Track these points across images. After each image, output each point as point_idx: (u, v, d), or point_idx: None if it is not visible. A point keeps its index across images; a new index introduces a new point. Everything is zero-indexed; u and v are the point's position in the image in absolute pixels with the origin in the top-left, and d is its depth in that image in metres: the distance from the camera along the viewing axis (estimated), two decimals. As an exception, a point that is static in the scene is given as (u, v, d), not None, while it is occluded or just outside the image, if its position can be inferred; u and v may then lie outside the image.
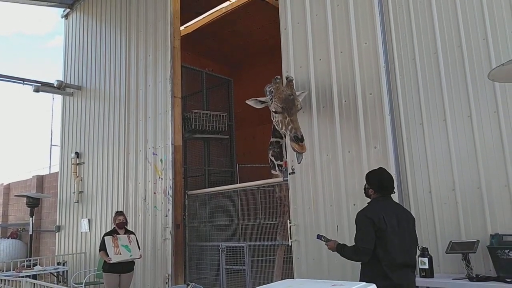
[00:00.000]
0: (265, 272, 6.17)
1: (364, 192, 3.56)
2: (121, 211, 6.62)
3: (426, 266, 3.83)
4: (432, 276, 3.83)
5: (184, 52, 10.55)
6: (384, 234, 3.12)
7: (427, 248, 3.92)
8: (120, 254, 5.95)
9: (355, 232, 3.29)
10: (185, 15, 9.55)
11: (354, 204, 4.74)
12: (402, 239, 3.18)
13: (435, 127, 4.31)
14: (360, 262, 3.30)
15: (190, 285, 3.81)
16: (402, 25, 4.68)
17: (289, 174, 5.53)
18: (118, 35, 9.35)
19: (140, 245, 6.39)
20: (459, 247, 3.85)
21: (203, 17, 10.77)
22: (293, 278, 5.06)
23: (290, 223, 5.34)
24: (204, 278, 7.16)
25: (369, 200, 3.49)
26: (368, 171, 3.59)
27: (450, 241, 3.95)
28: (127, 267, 6.12)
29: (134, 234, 6.37)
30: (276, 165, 6.31)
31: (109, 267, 5.98)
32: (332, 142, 5.06)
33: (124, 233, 6.20)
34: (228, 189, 7.08)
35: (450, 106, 4.26)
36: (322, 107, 5.22)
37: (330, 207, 4.99)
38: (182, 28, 10.89)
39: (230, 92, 10.80)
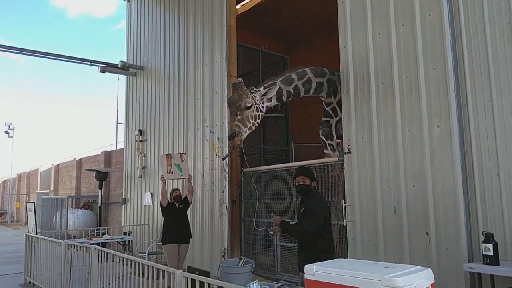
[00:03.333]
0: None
1: (304, 188, 4.02)
2: (177, 188, 6.97)
3: (491, 253, 3.61)
4: (497, 263, 3.61)
5: (240, 31, 10.53)
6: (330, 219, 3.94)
7: (492, 234, 3.68)
8: (172, 173, 6.31)
9: (314, 216, 3.80)
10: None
11: (414, 186, 4.55)
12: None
13: (506, 105, 3.97)
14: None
15: (243, 259, 3.90)
16: (472, -6, 4.30)
17: (345, 153, 5.41)
18: (176, 15, 9.54)
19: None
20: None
21: (260, -6, 10.63)
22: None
23: (345, 203, 5.25)
24: (259, 253, 7.30)
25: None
26: (305, 168, 4.26)
27: (519, 228, 3.69)
28: (184, 238, 6.40)
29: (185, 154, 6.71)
30: (327, 144, 6.27)
31: (168, 239, 6.30)
32: (391, 121, 4.85)
33: (179, 205, 6.48)
34: (282, 168, 7.09)
35: (525, 82, 3.89)
36: (381, 83, 5.00)
37: (387, 188, 4.83)
38: (238, 6, 10.86)
39: (287, 69, 10.67)
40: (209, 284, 3.13)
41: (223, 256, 7.17)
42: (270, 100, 5.32)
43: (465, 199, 4.11)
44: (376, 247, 4.85)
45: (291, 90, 5.48)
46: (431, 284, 2.09)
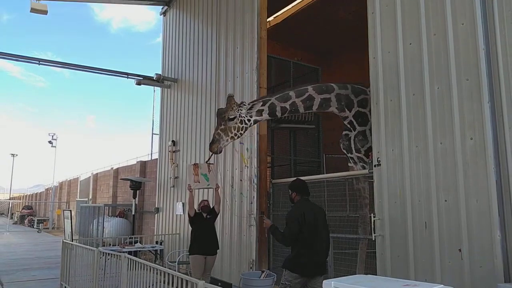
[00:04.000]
0: (348, 266, 6.01)
1: (290, 200, 4.87)
2: (205, 199, 7.03)
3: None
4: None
5: (273, 43, 10.62)
6: (304, 225, 4.45)
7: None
8: (199, 182, 6.35)
9: (287, 225, 4.52)
10: (275, 5, 9.58)
11: (446, 200, 4.37)
12: (317, 228, 4.54)
13: (545, 116, 3.76)
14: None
15: (265, 272, 3.87)
16: (507, 0, 4.14)
17: (374, 166, 5.29)
18: (209, 28, 9.74)
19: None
20: None
21: (292, 6, 10.69)
22: (376, 275, 4.87)
23: (374, 217, 5.12)
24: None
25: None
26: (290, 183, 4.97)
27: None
28: (211, 249, 6.42)
29: (213, 164, 6.73)
30: (348, 157, 6.23)
31: (196, 250, 6.34)
32: (422, 133, 4.70)
33: (207, 215, 6.52)
34: (311, 179, 6.99)
35: None
36: (412, 94, 4.88)
37: (418, 202, 4.66)
38: (271, 18, 10.97)
39: (318, 80, 10.63)
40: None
41: (251, 268, 7.14)
42: (260, 114, 5.70)
43: (500, 215, 3.90)
44: (406, 263, 4.68)
45: (287, 107, 5.72)
46: (454, 304, 1.98)
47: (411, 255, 4.64)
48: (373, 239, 5.09)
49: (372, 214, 5.21)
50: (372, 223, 5.08)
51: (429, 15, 4.77)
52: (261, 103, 5.71)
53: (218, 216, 6.75)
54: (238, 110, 5.59)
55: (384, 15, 5.34)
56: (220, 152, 5.83)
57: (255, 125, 6.74)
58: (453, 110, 4.39)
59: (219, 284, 3.41)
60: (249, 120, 5.65)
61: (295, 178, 5.30)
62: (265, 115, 5.74)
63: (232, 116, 5.54)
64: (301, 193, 4.80)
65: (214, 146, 5.59)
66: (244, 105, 5.67)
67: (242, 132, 5.65)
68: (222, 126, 5.56)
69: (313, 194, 7.05)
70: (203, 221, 6.49)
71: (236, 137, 5.66)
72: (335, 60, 12.03)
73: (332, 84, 5.93)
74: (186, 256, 8.70)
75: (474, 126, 4.19)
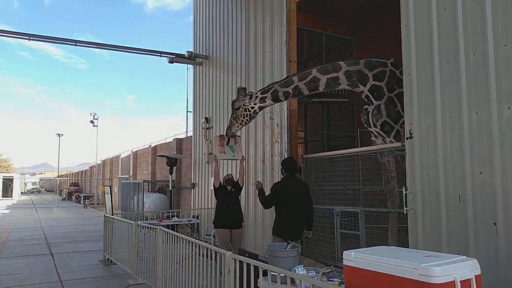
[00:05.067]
0: (381, 239, 5.97)
1: (281, 173, 5.98)
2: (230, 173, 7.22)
3: None
4: None
5: (305, 15, 10.36)
6: (286, 197, 5.56)
7: None
8: (224, 153, 6.60)
9: (270, 192, 5.82)
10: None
11: (481, 173, 4.20)
12: (298, 201, 5.64)
13: None
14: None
15: (290, 243, 3.92)
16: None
17: (407, 138, 5.14)
18: (238, 3, 9.64)
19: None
20: None
21: (324, -24, 10.33)
22: (408, 248, 4.81)
23: (406, 190, 5.02)
24: (320, 240, 7.26)
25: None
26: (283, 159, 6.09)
27: None
28: (236, 223, 6.54)
29: (239, 137, 7.05)
30: (370, 131, 6.25)
31: (219, 223, 6.48)
32: (456, 103, 4.50)
33: (231, 188, 6.65)
34: (343, 154, 6.93)
35: None
36: (446, 63, 4.65)
37: (452, 174, 4.51)
38: (302, -11, 10.67)
39: (351, 52, 10.34)
40: (255, 266, 3.20)
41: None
42: (264, 101, 6.23)
43: (539, 188, 3.72)
44: (438, 237, 4.58)
45: (290, 91, 6.09)
46: (475, 275, 1.94)
47: (443, 228, 4.53)
48: (405, 212, 5.01)
49: (403, 187, 5.11)
50: (404, 196, 4.99)
51: (465, -23, 4.48)
52: (265, 90, 6.26)
53: (246, 190, 6.87)
54: (243, 100, 6.28)
55: (417, -20, 5.07)
56: (234, 136, 6.64)
57: (286, 101, 6.87)
58: (489, 78, 4.16)
59: (246, 255, 3.49)
60: (252, 108, 6.24)
61: (287, 157, 6.47)
62: (269, 101, 6.25)
63: (237, 106, 6.29)
64: (289, 170, 5.77)
65: (228, 131, 6.45)
66: (251, 94, 6.33)
67: (247, 118, 6.34)
68: (234, 114, 6.36)
69: (346, 169, 7.02)
70: (227, 194, 6.61)
71: (244, 124, 6.40)
72: (367, 31, 11.60)
73: (339, 62, 6.09)
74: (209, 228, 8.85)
75: (511, 94, 3.97)
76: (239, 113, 6.28)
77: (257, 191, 5.96)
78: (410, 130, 5.08)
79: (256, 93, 6.32)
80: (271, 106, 7.88)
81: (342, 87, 6.21)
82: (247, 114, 6.28)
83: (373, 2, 10.55)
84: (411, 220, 4.94)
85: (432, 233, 4.66)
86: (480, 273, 2.00)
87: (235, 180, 6.80)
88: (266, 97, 6.19)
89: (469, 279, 1.91)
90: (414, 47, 5.07)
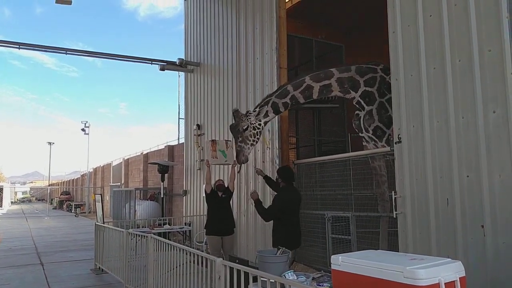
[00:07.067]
0: (372, 244, 6.00)
1: (276, 182, 6.02)
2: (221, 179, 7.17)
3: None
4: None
5: (295, 22, 10.45)
6: (289, 209, 5.48)
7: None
8: (216, 158, 6.55)
9: (271, 204, 5.66)
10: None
11: (468, 176, 4.26)
12: (297, 210, 5.71)
13: None
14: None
15: (280, 249, 3.93)
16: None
17: (395, 143, 5.20)
18: (229, 9, 9.70)
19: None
20: None
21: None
22: (398, 252, 4.84)
23: (395, 194, 5.06)
24: (312, 245, 7.27)
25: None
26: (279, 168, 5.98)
27: None
28: (227, 229, 6.53)
29: (230, 141, 6.92)
30: (361, 136, 6.33)
31: (211, 230, 6.47)
32: (443, 107, 4.56)
33: (222, 194, 6.63)
34: (334, 159, 6.97)
35: None
36: (433, 68, 4.72)
37: (440, 178, 4.56)
38: (292, -3, 10.75)
39: (342, 58, 10.43)
40: (246, 272, 3.20)
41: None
42: (267, 115, 6.09)
43: (524, 190, 3.77)
44: (428, 240, 4.62)
45: (288, 101, 6.08)
46: (460, 277, 1.96)
47: (432, 232, 4.57)
48: (394, 216, 5.05)
49: (393, 191, 5.15)
50: (393, 200, 5.03)
51: (450, -16, 4.57)
52: (264, 105, 6.10)
53: (237, 195, 6.86)
54: (247, 119, 6.02)
55: (403, -14, 5.15)
56: (247, 161, 6.25)
57: (285, 110, 6.83)
58: (475, 83, 4.23)
59: (237, 261, 3.49)
60: (260, 125, 6.07)
61: (284, 166, 6.28)
62: (271, 114, 6.17)
63: (245, 126, 5.98)
64: (287, 179, 5.71)
65: (240, 157, 6.00)
66: (250, 113, 6.10)
67: (258, 137, 6.11)
68: (240, 138, 5.98)
69: (337, 174, 7.05)
70: (218, 200, 6.61)
71: (255, 143, 6.12)
72: (358, 37, 11.73)
73: (331, 69, 6.11)
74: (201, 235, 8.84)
75: (497, 99, 4.04)
76: (248, 134, 5.98)
77: (253, 201, 5.64)
78: (398, 135, 5.14)
79: (255, 109, 6.14)
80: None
81: (334, 94, 6.24)
82: (257, 132, 6.05)
83: (361, 8, 10.69)
84: (400, 224, 4.98)
85: (422, 237, 4.70)
86: (464, 275, 2.03)
87: (225, 186, 6.81)
88: (268, 110, 6.09)
89: (454, 281, 1.93)
90: (402, 53, 5.14)
